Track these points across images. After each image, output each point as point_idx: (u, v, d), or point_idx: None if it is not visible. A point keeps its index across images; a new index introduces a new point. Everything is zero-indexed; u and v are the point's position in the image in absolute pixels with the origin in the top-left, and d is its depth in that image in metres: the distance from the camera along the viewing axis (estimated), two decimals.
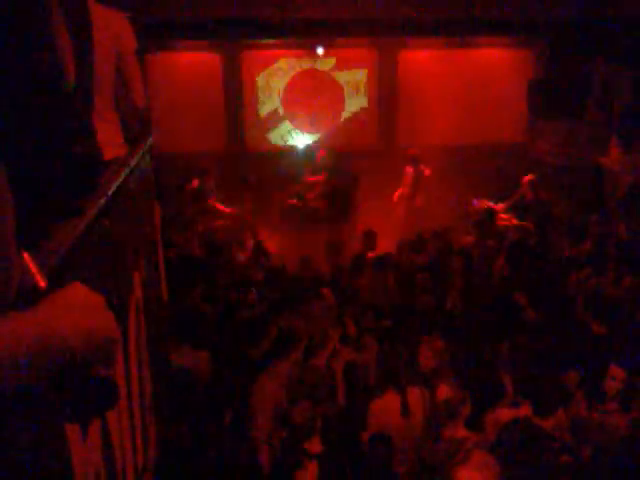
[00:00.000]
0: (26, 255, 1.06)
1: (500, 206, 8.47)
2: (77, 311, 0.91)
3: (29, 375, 0.81)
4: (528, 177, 8.53)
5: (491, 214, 7.93)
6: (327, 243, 7.44)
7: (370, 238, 7.32)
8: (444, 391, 4.25)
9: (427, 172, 8.96)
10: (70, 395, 0.90)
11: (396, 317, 5.48)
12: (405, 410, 4.07)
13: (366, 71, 10.71)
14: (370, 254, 7.12)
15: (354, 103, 10.86)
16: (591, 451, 3.78)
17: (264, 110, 10.65)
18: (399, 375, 4.24)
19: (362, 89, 10.81)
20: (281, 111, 10.64)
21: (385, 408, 4.13)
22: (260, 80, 10.44)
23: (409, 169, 8.96)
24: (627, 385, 4.09)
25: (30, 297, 0.98)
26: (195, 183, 8.86)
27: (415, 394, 4.21)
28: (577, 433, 3.99)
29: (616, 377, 4.07)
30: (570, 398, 4.19)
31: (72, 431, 1.46)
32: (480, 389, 4.27)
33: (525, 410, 3.88)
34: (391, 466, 3.75)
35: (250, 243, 7.56)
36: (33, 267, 1.04)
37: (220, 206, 9.13)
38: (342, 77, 10.65)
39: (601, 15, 8.33)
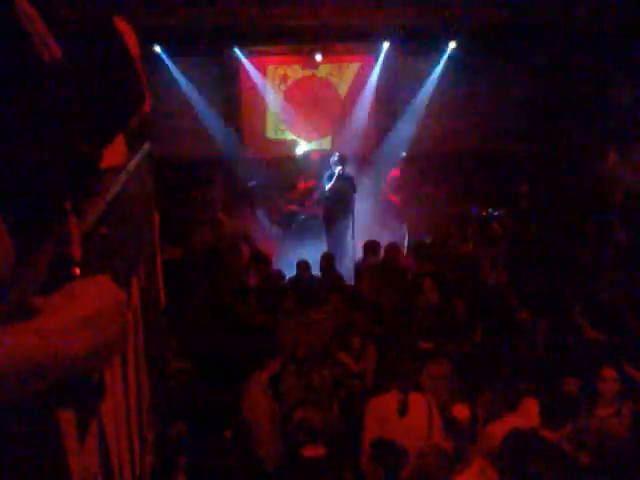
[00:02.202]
0: (74, 220, 1.00)
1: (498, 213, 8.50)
2: (95, 319, 0.85)
3: (28, 387, 0.79)
4: (524, 184, 8.56)
5: (489, 221, 7.95)
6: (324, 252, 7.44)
7: (372, 246, 7.33)
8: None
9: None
10: (58, 395, 0.87)
11: (396, 322, 5.47)
12: (403, 410, 4.04)
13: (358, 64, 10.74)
14: (371, 261, 7.13)
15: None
16: (589, 456, 3.78)
17: (263, 117, 10.68)
18: (404, 373, 4.21)
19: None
20: (280, 118, 10.66)
21: (385, 410, 4.10)
22: (259, 86, 10.46)
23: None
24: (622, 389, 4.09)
25: (61, 278, 0.93)
26: (199, 193, 8.85)
27: (422, 397, 4.20)
28: (576, 439, 3.98)
29: (608, 378, 4.07)
30: (579, 407, 4.17)
31: (69, 436, 1.47)
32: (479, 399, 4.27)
33: (521, 420, 3.83)
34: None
35: (248, 250, 7.55)
36: (76, 237, 0.98)
37: (223, 216, 9.11)
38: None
39: (601, 23, 8.37)
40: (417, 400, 4.15)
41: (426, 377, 4.62)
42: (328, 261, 7.06)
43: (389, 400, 4.13)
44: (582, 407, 4.08)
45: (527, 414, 3.81)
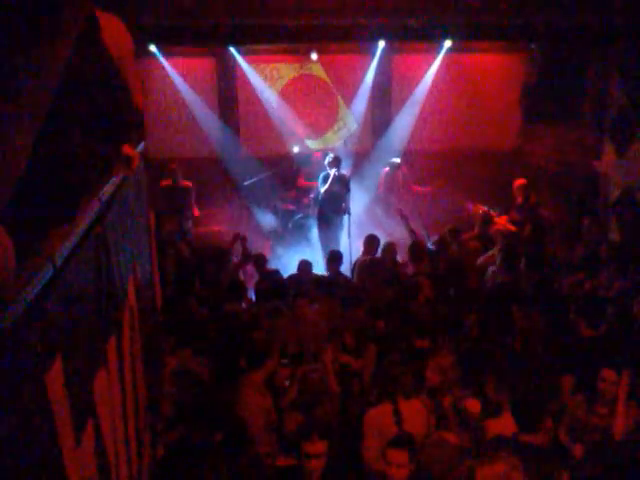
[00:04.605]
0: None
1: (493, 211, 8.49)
2: None
3: None
4: (519, 181, 8.57)
5: (487, 219, 7.94)
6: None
7: (371, 243, 7.32)
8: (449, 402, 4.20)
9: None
10: None
11: (393, 321, 5.45)
12: (398, 419, 3.97)
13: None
14: (369, 258, 7.13)
15: None
16: (584, 451, 3.79)
17: (259, 116, 10.66)
18: (395, 381, 4.17)
19: None
20: (277, 117, 10.65)
21: (382, 421, 4.02)
22: (255, 85, 10.45)
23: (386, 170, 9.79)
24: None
25: None
26: (165, 183, 8.77)
27: (418, 402, 4.15)
28: (573, 434, 3.99)
29: (608, 379, 4.06)
30: (559, 405, 4.16)
31: (65, 437, 1.47)
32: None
33: (503, 425, 3.80)
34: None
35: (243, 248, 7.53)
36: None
37: (194, 209, 9.01)
38: None
39: (594, 20, 8.37)
40: (412, 407, 4.08)
41: (434, 370, 4.52)
42: (336, 260, 6.96)
43: (385, 411, 4.06)
44: (550, 402, 4.05)
45: (510, 419, 3.78)
